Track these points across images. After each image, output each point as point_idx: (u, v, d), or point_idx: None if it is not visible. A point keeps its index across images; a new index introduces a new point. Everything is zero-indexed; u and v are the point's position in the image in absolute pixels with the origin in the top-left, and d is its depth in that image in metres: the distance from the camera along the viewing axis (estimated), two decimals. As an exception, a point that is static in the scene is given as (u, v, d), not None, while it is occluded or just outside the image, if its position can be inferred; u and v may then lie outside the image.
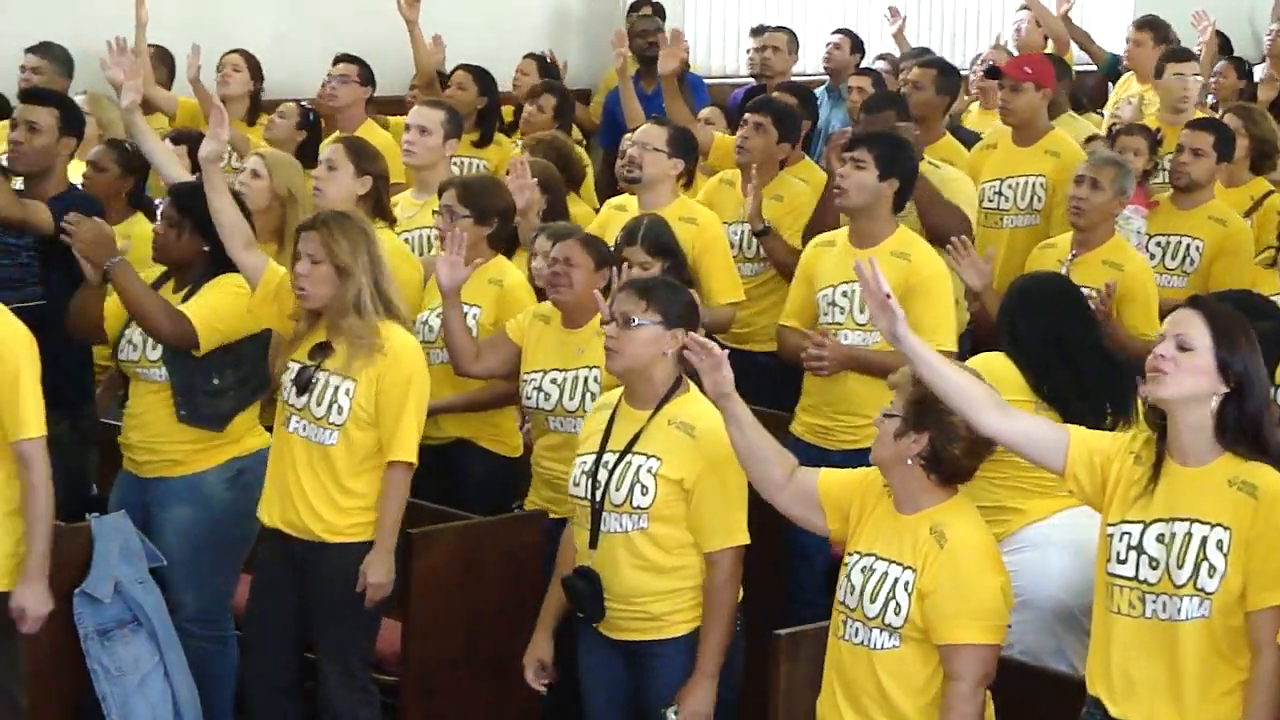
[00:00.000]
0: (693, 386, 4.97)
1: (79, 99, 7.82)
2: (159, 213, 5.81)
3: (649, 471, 4.85)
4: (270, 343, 5.80)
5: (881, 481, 4.44)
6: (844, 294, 6.15)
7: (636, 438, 4.90)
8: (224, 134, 5.64)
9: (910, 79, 8.14)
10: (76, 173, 6.93)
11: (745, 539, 4.88)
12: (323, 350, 5.31)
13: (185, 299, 5.70)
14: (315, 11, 10.24)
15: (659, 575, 4.87)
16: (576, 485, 4.97)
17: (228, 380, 5.69)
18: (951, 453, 4.29)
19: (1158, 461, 4.07)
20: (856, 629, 4.34)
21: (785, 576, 6.07)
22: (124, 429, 5.80)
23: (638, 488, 4.85)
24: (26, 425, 4.98)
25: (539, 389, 5.84)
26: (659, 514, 4.85)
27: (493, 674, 5.77)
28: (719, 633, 4.84)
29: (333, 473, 5.28)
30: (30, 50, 8.64)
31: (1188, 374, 3.99)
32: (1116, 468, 4.12)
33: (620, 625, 4.93)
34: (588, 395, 5.75)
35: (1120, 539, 4.08)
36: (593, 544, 4.92)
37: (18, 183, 6.40)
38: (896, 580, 4.28)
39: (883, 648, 4.30)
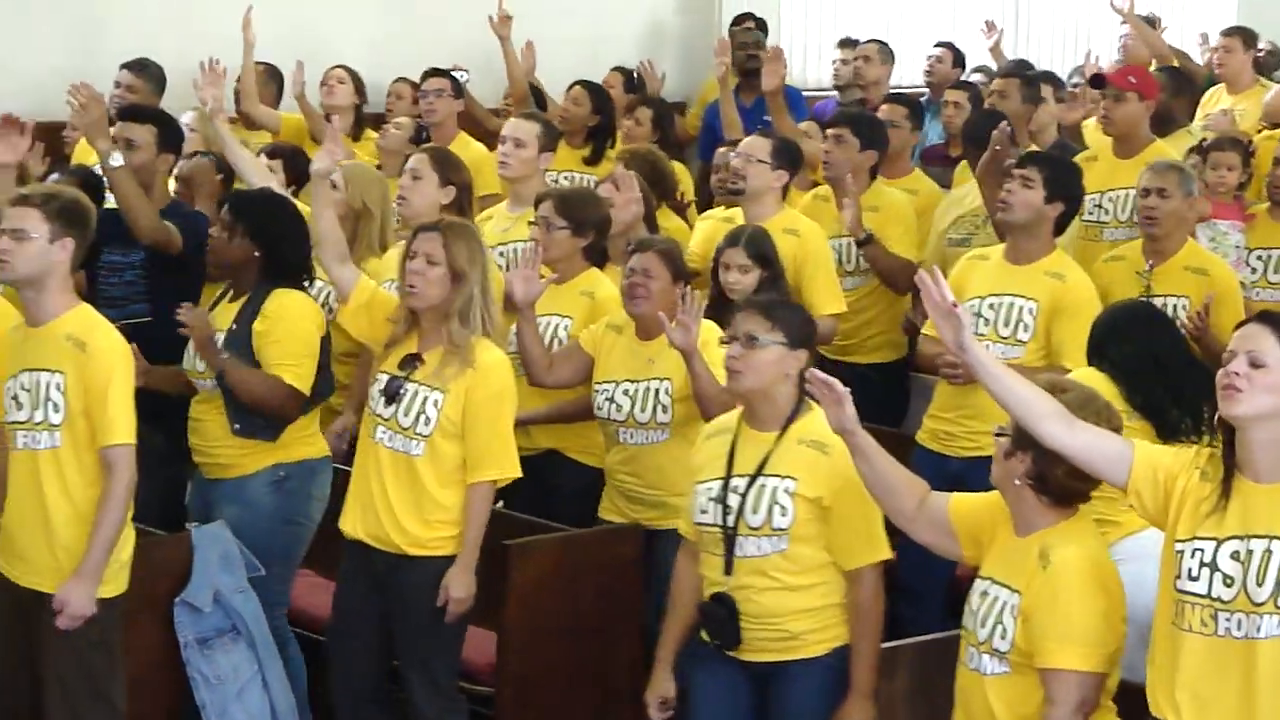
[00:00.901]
0: (814, 405, 4.86)
1: (188, 115, 7.92)
2: (218, 219, 5.89)
3: (786, 492, 4.78)
4: (329, 353, 5.87)
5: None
6: (991, 306, 6.17)
7: (766, 459, 4.83)
8: (339, 150, 5.69)
9: (995, 89, 8.10)
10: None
11: (887, 553, 4.81)
12: (412, 361, 5.32)
13: (243, 311, 5.73)
14: (411, 27, 10.30)
15: (798, 594, 4.80)
16: (704, 512, 4.89)
17: None
18: (1056, 474, 4.20)
19: (1227, 477, 3.99)
20: (971, 654, 4.28)
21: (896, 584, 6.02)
22: (189, 433, 5.88)
23: (776, 509, 4.79)
24: (114, 432, 5.03)
25: (610, 400, 5.84)
26: (798, 534, 4.78)
27: (587, 686, 5.76)
28: (871, 650, 4.77)
29: (419, 484, 5.28)
30: (125, 67, 8.74)
31: (1261, 391, 3.92)
32: (1182, 484, 4.04)
33: (755, 646, 4.84)
34: (659, 407, 5.76)
35: (1191, 555, 3.99)
36: (728, 570, 4.84)
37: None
38: (1005, 604, 4.21)
39: (993, 673, 4.23)
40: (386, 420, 5.31)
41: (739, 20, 10.62)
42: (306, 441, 5.86)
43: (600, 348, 5.92)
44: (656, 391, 5.77)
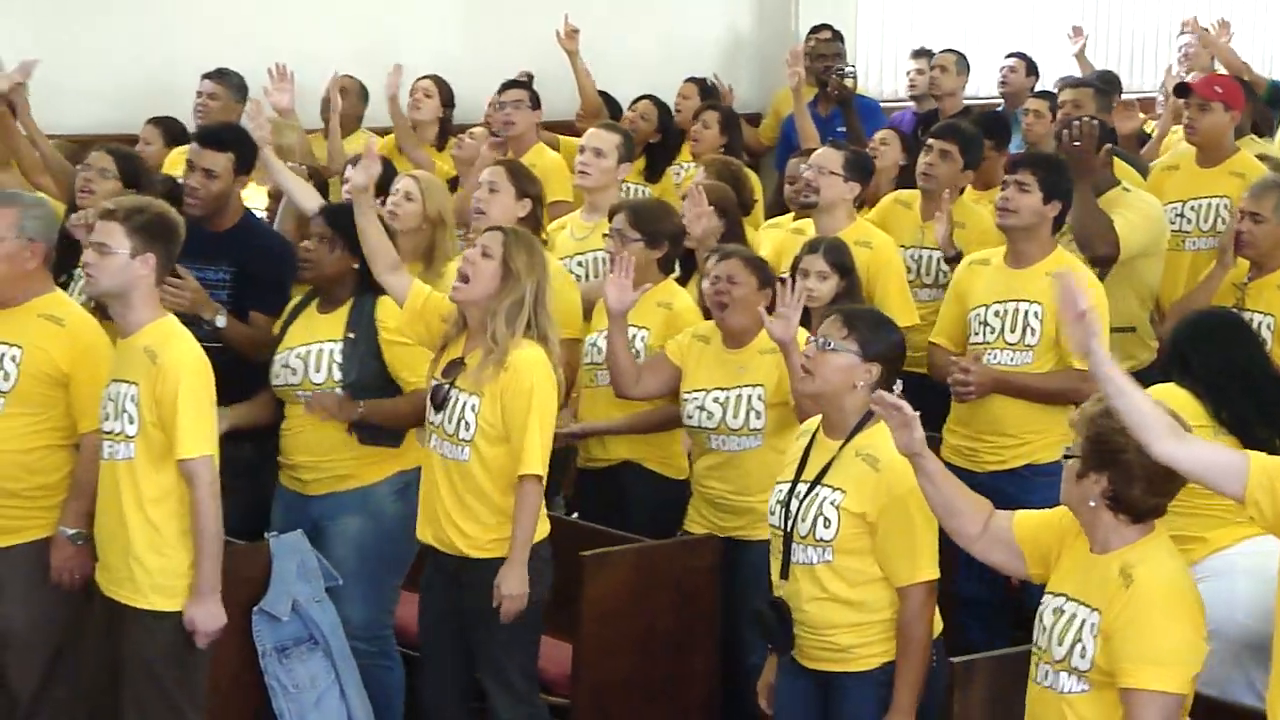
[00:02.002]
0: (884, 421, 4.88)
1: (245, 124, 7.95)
2: (312, 232, 5.89)
3: (832, 504, 4.78)
4: None
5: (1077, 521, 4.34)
6: (996, 314, 6.15)
7: (827, 469, 4.84)
8: (375, 167, 5.68)
9: (1068, 99, 8.04)
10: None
11: (933, 574, 4.76)
12: (456, 368, 5.36)
13: (354, 321, 5.72)
14: (485, 38, 10.33)
15: (846, 608, 4.79)
16: (772, 514, 4.92)
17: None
18: (1133, 493, 4.15)
19: None
20: (1046, 671, 4.23)
21: (957, 605, 6.00)
22: (284, 449, 5.85)
23: (821, 520, 4.79)
24: (187, 444, 5.06)
25: (701, 408, 5.83)
26: (843, 547, 4.77)
27: (664, 697, 5.76)
28: (912, 669, 4.74)
29: (471, 488, 5.31)
30: (207, 76, 8.80)
31: None
32: None
33: (811, 654, 4.86)
34: (751, 414, 5.75)
35: None
36: (784, 574, 4.86)
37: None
38: (1084, 622, 4.17)
39: (1070, 691, 4.18)
40: (436, 427, 5.36)
41: (816, 31, 10.60)
42: (416, 447, 5.84)
43: (687, 357, 5.92)
44: (749, 398, 5.76)
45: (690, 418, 5.87)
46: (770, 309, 5.71)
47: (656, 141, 8.80)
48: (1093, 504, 4.18)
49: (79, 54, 9.14)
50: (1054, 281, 4.20)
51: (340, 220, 5.79)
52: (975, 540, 4.42)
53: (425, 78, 9.14)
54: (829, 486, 4.80)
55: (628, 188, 8.27)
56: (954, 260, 7.09)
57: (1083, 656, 4.15)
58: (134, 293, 5.13)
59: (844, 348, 4.84)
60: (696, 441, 5.94)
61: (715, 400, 5.81)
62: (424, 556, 5.52)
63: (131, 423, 5.08)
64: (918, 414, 4.42)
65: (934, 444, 6.14)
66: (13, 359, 5.31)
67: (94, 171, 6.56)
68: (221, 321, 5.81)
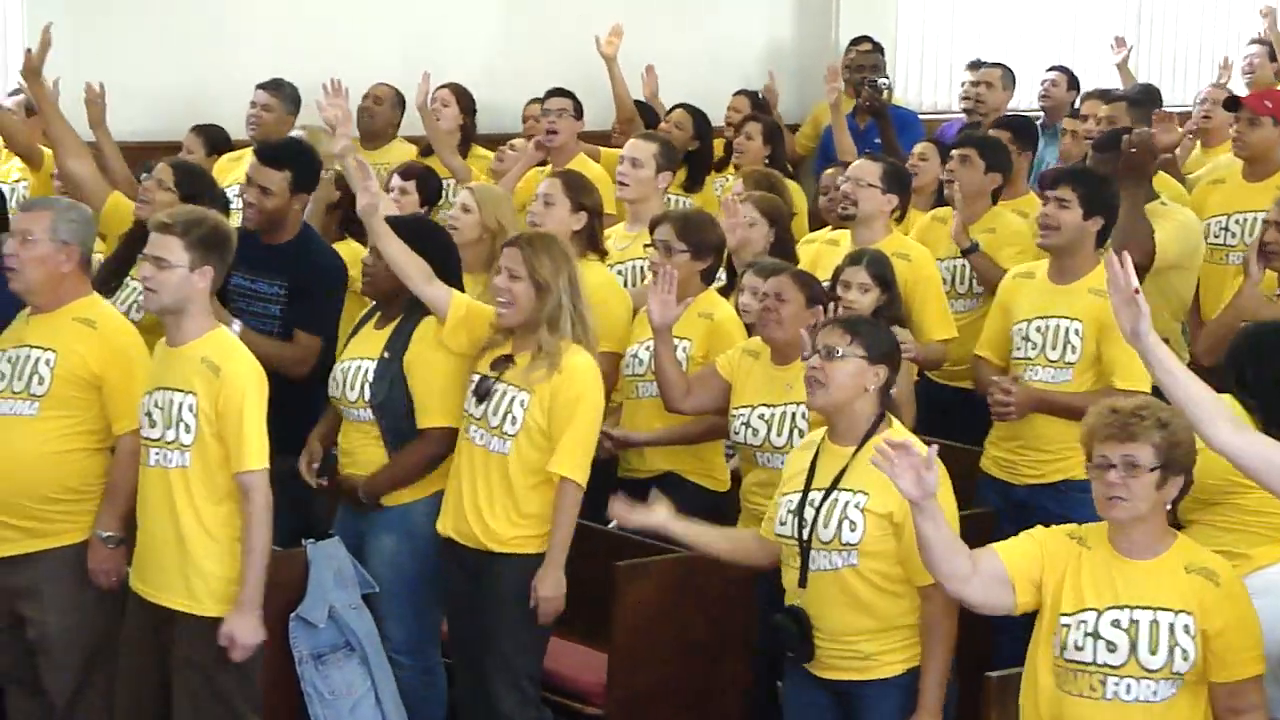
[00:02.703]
0: (895, 421, 4.93)
1: (296, 132, 7.99)
2: (369, 245, 5.89)
3: (856, 507, 4.80)
4: None
5: (1067, 535, 4.36)
6: (1038, 329, 6.13)
7: (842, 474, 4.86)
8: (374, 186, 5.65)
9: (1103, 116, 8.01)
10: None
11: None
12: (504, 362, 5.40)
13: (394, 340, 5.70)
14: (525, 47, 10.36)
15: (870, 613, 4.82)
16: (783, 524, 4.94)
17: None
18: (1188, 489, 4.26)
19: None
20: (1129, 685, 4.22)
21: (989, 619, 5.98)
22: (340, 464, 5.88)
23: (845, 524, 4.81)
24: (247, 458, 5.09)
25: (747, 424, 5.83)
26: (868, 549, 4.80)
27: (696, 707, 5.76)
28: (939, 668, 4.76)
29: (505, 483, 5.35)
30: (261, 87, 8.83)
31: None
32: None
33: (830, 664, 4.87)
34: (795, 431, 5.74)
35: None
36: (802, 582, 4.87)
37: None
38: (1173, 626, 4.19)
39: (1164, 698, 4.21)
40: (478, 419, 5.38)
41: (856, 42, 10.60)
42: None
43: (737, 372, 5.93)
44: (793, 416, 5.76)
45: (737, 434, 5.88)
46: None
47: (694, 150, 8.78)
48: (1168, 508, 4.23)
49: (124, 61, 9.19)
50: (1105, 260, 4.20)
51: (399, 234, 5.76)
52: (967, 581, 4.38)
53: (442, 87, 9.09)
54: (849, 490, 4.82)
55: (668, 199, 8.26)
56: (969, 252, 7.11)
57: (1185, 659, 4.19)
58: (192, 304, 5.16)
59: (850, 353, 4.87)
60: (744, 457, 5.94)
61: (760, 417, 5.82)
62: (440, 552, 5.53)
63: (188, 432, 5.11)
64: (935, 448, 4.35)
65: (973, 457, 6.20)
66: (47, 363, 5.35)
67: (153, 181, 6.60)
68: (237, 328, 5.83)
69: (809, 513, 4.86)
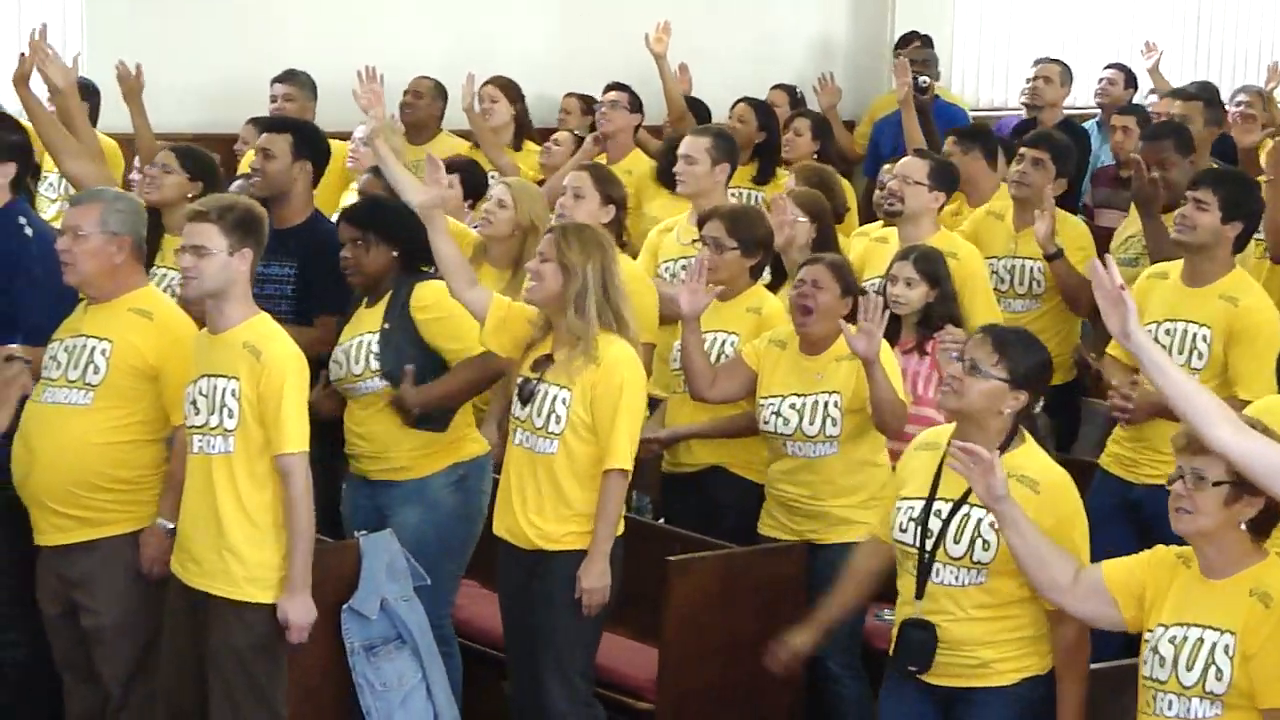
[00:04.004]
0: (1029, 437, 4.77)
1: (360, 129, 7.99)
2: (341, 237, 5.91)
3: (991, 525, 4.61)
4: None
5: (1175, 556, 4.30)
6: (1167, 332, 6.04)
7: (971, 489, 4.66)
8: (443, 180, 5.68)
9: (1176, 113, 7.95)
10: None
11: None
12: (544, 363, 5.40)
13: (391, 309, 5.76)
14: (579, 42, 10.37)
15: (989, 625, 4.67)
16: (903, 531, 4.77)
17: None
18: (1272, 514, 4.14)
19: None
20: (1170, 701, 4.19)
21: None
22: (348, 441, 5.91)
23: (979, 542, 4.64)
24: (287, 440, 5.11)
25: (777, 413, 5.83)
26: (1000, 570, 4.63)
27: (747, 703, 5.75)
28: (1077, 693, 4.60)
29: (553, 483, 5.35)
30: (277, 80, 8.86)
31: None
32: None
33: (943, 671, 4.72)
34: (828, 420, 5.75)
35: None
36: (919, 594, 4.72)
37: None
38: (1215, 645, 4.14)
39: (1204, 717, 4.15)
40: (523, 422, 5.40)
41: (906, 40, 10.57)
42: (474, 439, 5.95)
43: (764, 362, 5.92)
44: (826, 405, 5.75)
45: (766, 423, 5.87)
46: (849, 318, 5.69)
47: (761, 142, 8.67)
48: (1241, 528, 4.15)
49: (176, 55, 9.26)
50: (1089, 269, 4.12)
51: (364, 217, 5.88)
52: (1066, 591, 4.37)
53: (488, 83, 9.09)
54: (981, 506, 4.60)
55: (740, 193, 8.22)
56: (1054, 258, 7.06)
57: (1219, 679, 4.13)
58: (233, 289, 5.18)
59: (993, 375, 4.68)
60: (772, 446, 5.94)
61: (791, 406, 5.81)
62: (496, 551, 5.54)
63: (231, 417, 5.13)
64: (996, 455, 4.35)
65: (1085, 468, 6.08)
66: (103, 353, 5.38)
67: (158, 168, 6.64)
68: None
69: (934, 523, 4.71)
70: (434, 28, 9.96)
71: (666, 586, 5.62)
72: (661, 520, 6.50)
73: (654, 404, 6.24)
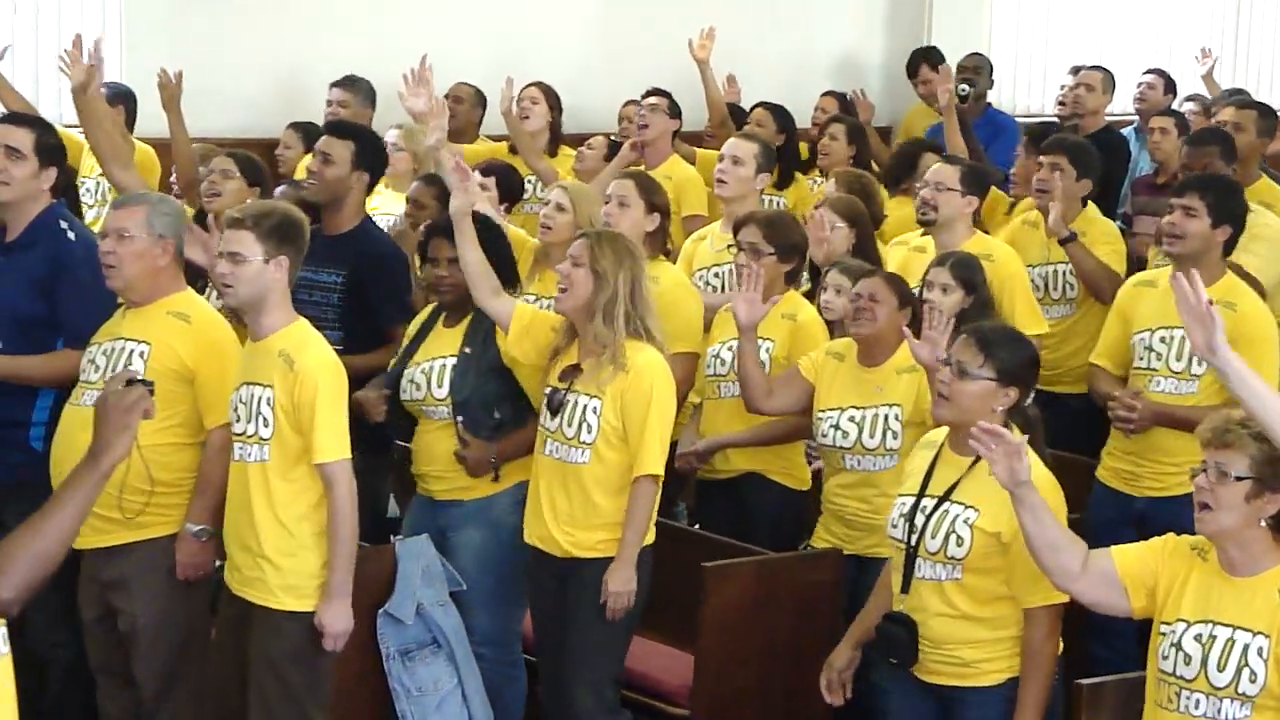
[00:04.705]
0: (1016, 430, 4.78)
1: (392, 133, 8.03)
2: (435, 254, 5.83)
3: (965, 522, 4.71)
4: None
5: (1189, 546, 4.29)
6: (1162, 339, 6.01)
7: (955, 485, 4.78)
8: (473, 187, 5.69)
9: (1229, 120, 7.91)
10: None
11: (1063, 597, 4.67)
12: (572, 373, 5.39)
13: (472, 332, 5.71)
14: (618, 47, 10.38)
15: (971, 624, 4.75)
16: (894, 527, 4.88)
17: (505, 414, 5.73)
18: None
19: None
20: (1198, 700, 4.19)
21: (1088, 621, 5.93)
22: (415, 460, 5.88)
23: (953, 538, 4.73)
24: (324, 449, 5.11)
25: (836, 426, 5.81)
26: (974, 566, 4.71)
27: (782, 710, 5.74)
28: (1037, 691, 4.69)
29: (583, 493, 5.35)
30: (335, 84, 8.88)
31: None
32: None
33: (932, 669, 4.82)
34: (888, 433, 5.73)
35: None
36: (904, 588, 4.81)
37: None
38: (1248, 647, 4.13)
39: (1235, 718, 4.15)
40: (552, 433, 5.39)
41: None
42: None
43: (822, 374, 5.90)
44: (885, 418, 5.74)
45: (825, 436, 5.85)
46: (909, 327, 5.69)
47: (780, 146, 8.65)
48: (1263, 524, 4.14)
49: (221, 60, 9.30)
50: (1170, 280, 4.13)
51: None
52: (1076, 578, 4.37)
53: (530, 86, 9.08)
54: (960, 504, 4.74)
55: (760, 199, 8.25)
56: (1067, 241, 7.04)
57: (1252, 681, 4.12)
58: (270, 296, 5.18)
59: (981, 375, 4.76)
60: (829, 460, 5.91)
61: (851, 419, 5.79)
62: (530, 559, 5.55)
63: (266, 426, 5.14)
64: (1025, 439, 4.37)
65: (1063, 463, 6.11)
66: (141, 355, 5.39)
67: (218, 174, 6.65)
68: None
69: (919, 519, 4.79)
70: (475, 35, 9.98)
71: (703, 592, 5.61)
72: (696, 526, 6.51)
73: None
